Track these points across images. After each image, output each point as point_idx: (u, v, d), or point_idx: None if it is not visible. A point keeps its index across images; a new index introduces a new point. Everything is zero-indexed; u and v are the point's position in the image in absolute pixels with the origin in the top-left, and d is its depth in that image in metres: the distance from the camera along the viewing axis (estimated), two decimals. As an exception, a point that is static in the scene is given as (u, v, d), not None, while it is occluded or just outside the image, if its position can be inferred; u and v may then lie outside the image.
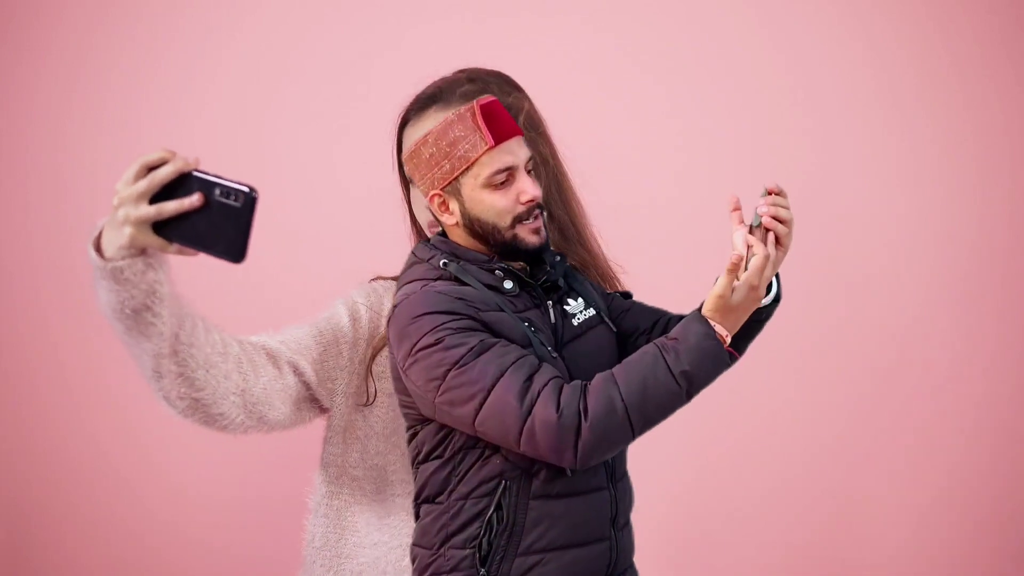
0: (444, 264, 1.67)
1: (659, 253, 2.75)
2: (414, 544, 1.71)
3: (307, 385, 1.89)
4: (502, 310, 1.62)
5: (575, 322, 1.70)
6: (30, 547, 2.85)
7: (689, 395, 1.54)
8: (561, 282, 1.72)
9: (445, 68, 1.95)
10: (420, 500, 1.69)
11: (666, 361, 1.52)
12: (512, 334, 1.60)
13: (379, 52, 2.82)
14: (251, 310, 2.84)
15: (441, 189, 1.66)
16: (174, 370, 1.71)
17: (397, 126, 1.90)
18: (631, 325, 1.79)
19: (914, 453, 2.84)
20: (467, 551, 1.62)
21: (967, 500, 2.84)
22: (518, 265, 1.68)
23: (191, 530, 2.84)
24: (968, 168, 2.81)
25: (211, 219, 1.46)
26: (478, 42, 2.54)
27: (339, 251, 2.76)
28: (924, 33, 2.83)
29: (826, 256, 2.82)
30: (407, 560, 1.87)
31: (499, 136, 1.63)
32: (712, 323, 1.56)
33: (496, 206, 1.64)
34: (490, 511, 1.61)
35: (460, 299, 1.61)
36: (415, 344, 1.57)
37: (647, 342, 1.76)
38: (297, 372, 1.88)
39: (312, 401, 1.92)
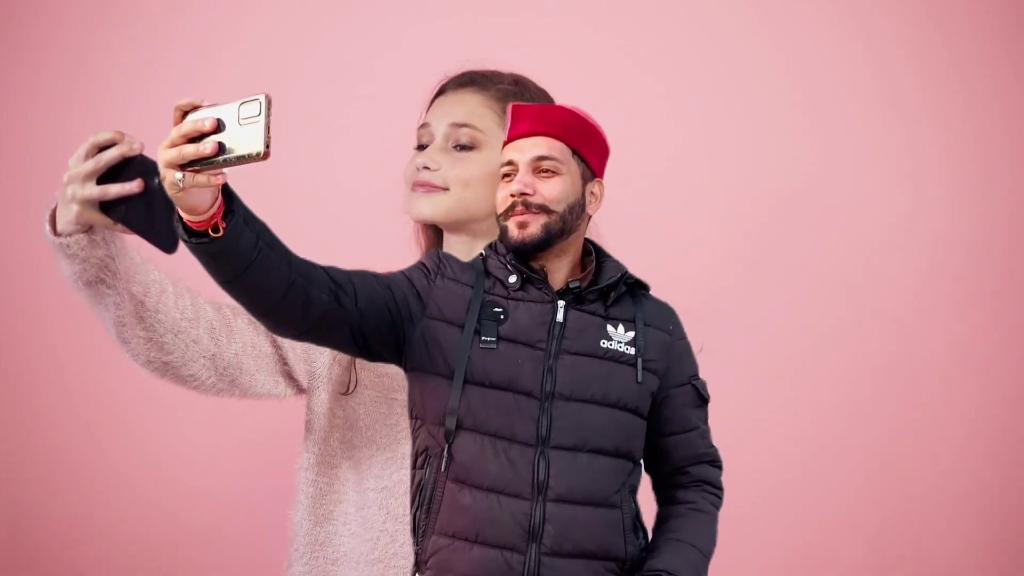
0: (482, 253, 1.72)
1: (660, 251, 2.75)
2: None
3: (283, 360, 1.91)
4: (472, 287, 1.66)
5: (603, 343, 1.68)
6: (29, 547, 2.85)
7: None
8: (606, 299, 1.70)
9: (445, 67, 1.96)
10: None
11: None
12: (446, 304, 1.65)
13: (379, 52, 2.82)
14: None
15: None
16: (141, 335, 1.77)
17: (431, 98, 1.97)
18: (664, 419, 1.74)
19: (915, 453, 2.84)
20: (411, 519, 1.66)
21: (968, 500, 2.84)
22: (539, 264, 1.69)
23: (192, 525, 2.84)
24: (968, 168, 2.81)
25: (151, 206, 1.49)
26: (479, 41, 2.54)
27: (340, 251, 2.76)
28: (924, 33, 2.83)
29: (826, 256, 2.82)
30: (378, 553, 1.89)
31: (514, 133, 1.68)
32: None
33: (497, 197, 1.69)
34: (420, 484, 1.65)
35: (438, 259, 1.69)
36: None
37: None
38: (275, 344, 1.92)
39: (288, 377, 1.94)
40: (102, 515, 2.85)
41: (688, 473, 1.74)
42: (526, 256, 1.67)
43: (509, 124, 1.69)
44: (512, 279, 1.67)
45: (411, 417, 1.68)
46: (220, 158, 1.42)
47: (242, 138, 1.42)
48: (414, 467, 1.66)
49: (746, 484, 2.84)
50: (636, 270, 2.06)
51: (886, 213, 2.82)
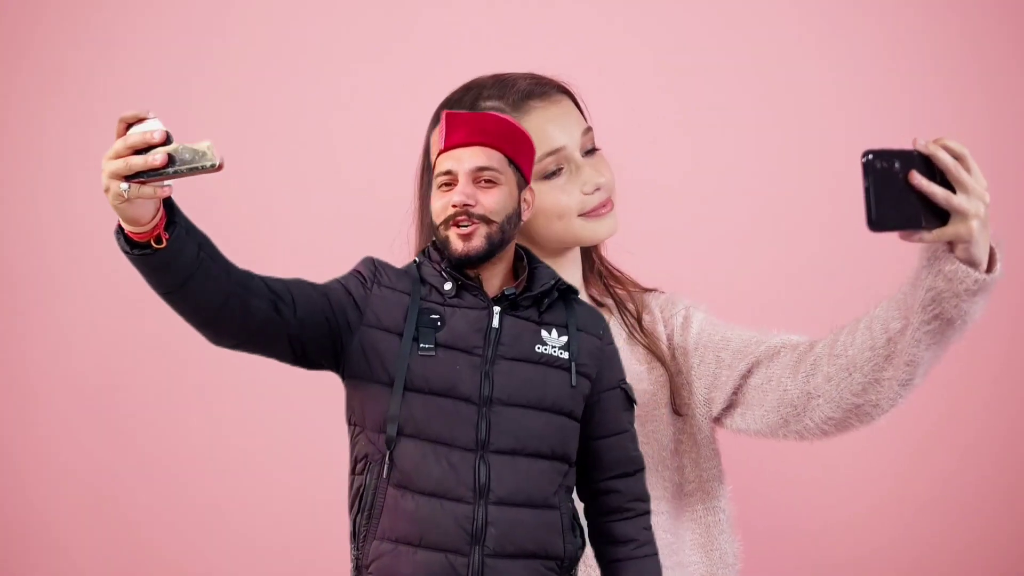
0: (416, 261, 1.72)
1: (669, 246, 2.74)
2: None
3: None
4: (408, 294, 1.67)
5: (537, 348, 1.69)
6: (29, 547, 2.84)
7: None
8: (540, 306, 1.71)
9: (446, 66, 1.95)
10: None
11: None
12: (383, 311, 1.65)
13: (384, 50, 2.81)
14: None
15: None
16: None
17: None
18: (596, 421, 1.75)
19: (918, 453, 2.83)
20: (350, 525, 1.67)
21: (968, 501, 2.83)
22: (475, 272, 1.69)
23: (191, 530, 2.83)
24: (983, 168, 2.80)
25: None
26: (482, 36, 2.54)
27: (343, 250, 2.75)
28: (949, 37, 2.83)
29: (834, 257, 2.81)
30: None
31: (450, 142, 1.68)
32: None
33: (435, 207, 1.69)
34: (360, 490, 1.66)
35: (374, 267, 1.70)
36: None
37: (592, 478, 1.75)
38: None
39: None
40: (103, 515, 2.84)
41: (619, 492, 1.75)
42: (467, 267, 1.69)
43: (444, 132, 1.68)
44: (447, 286, 1.68)
45: (349, 424, 1.70)
46: (171, 169, 1.46)
47: (192, 150, 1.47)
48: (353, 473, 1.68)
49: (747, 484, 2.84)
50: (638, 267, 2.06)
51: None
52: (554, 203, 1.95)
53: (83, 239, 2.81)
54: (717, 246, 2.83)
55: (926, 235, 1.64)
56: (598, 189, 1.96)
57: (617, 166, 2.03)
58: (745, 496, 2.11)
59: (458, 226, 1.66)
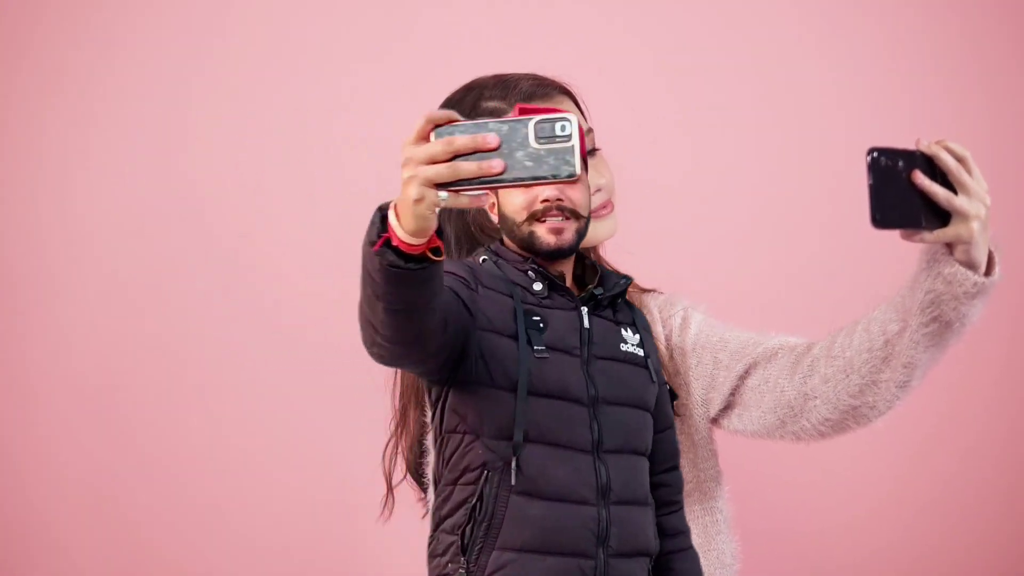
0: (483, 260, 1.71)
1: (669, 246, 2.74)
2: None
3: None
4: (511, 296, 1.64)
5: (622, 347, 1.71)
6: (29, 547, 2.84)
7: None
8: (614, 306, 1.74)
9: (446, 66, 1.95)
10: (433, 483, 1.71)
11: None
12: (494, 315, 1.61)
13: (384, 50, 2.81)
14: (256, 312, 2.85)
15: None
16: None
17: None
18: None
19: (917, 455, 2.83)
20: (453, 537, 1.62)
21: (968, 503, 2.83)
22: (557, 271, 1.70)
23: (191, 530, 2.83)
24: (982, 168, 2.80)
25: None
26: (482, 36, 2.54)
27: (343, 250, 2.75)
28: (949, 38, 2.83)
29: (833, 257, 2.81)
30: None
31: None
32: None
33: (515, 202, 1.67)
34: (473, 500, 1.61)
35: (469, 267, 1.65)
36: None
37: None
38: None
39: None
40: (103, 516, 2.84)
41: (668, 486, 1.78)
42: (555, 261, 1.69)
43: None
44: (538, 286, 1.68)
45: (450, 433, 1.64)
46: (510, 177, 1.34)
47: (534, 159, 1.34)
48: (456, 484, 1.63)
49: (747, 484, 2.84)
50: (641, 268, 2.06)
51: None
52: None
53: (83, 239, 2.81)
54: (717, 246, 2.83)
55: (927, 235, 1.64)
56: (598, 190, 1.96)
57: (617, 166, 2.03)
58: (744, 498, 2.11)
59: (547, 220, 1.65)
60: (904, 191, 1.62)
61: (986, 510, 2.85)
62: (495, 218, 1.72)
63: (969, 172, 1.64)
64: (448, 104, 1.98)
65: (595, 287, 1.71)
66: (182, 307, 2.79)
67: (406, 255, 1.38)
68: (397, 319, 1.45)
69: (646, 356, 1.73)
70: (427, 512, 2.06)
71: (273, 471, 2.79)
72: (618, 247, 2.08)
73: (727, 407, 1.93)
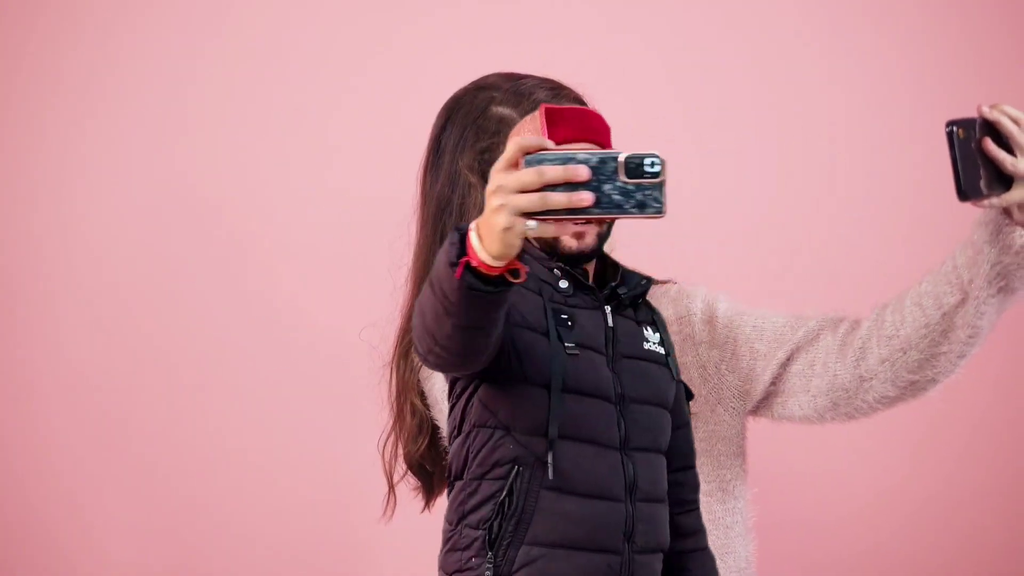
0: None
1: (669, 246, 2.74)
2: (445, 519, 1.70)
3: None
4: (540, 294, 1.64)
5: (644, 345, 1.72)
6: (29, 548, 2.84)
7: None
8: (635, 305, 1.74)
9: (446, 66, 1.94)
10: (451, 476, 1.69)
11: None
12: (527, 311, 1.61)
13: (384, 50, 2.81)
14: (255, 312, 2.84)
15: None
16: None
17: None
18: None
19: (917, 450, 2.83)
20: (479, 532, 1.61)
21: (967, 499, 2.83)
22: (580, 269, 1.70)
23: (191, 530, 2.83)
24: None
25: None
26: (483, 36, 2.54)
27: (343, 250, 2.75)
28: (954, 44, 2.83)
29: (837, 257, 2.81)
30: None
31: (555, 140, 1.61)
32: None
33: None
34: (502, 495, 1.61)
35: None
36: None
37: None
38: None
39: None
40: (103, 517, 2.84)
41: (683, 485, 1.78)
42: (576, 265, 1.69)
43: (546, 129, 1.63)
44: (564, 284, 1.67)
45: (483, 427, 1.64)
46: (598, 210, 1.36)
47: (622, 193, 1.36)
48: (483, 479, 1.63)
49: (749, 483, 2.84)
50: (644, 267, 2.06)
51: (918, 212, 2.80)
52: None
53: (83, 240, 2.80)
54: (717, 246, 2.82)
55: (994, 200, 1.66)
56: None
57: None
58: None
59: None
60: (973, 159, 1.63)
61: (985, 506, 2.85)
62: None
63: None
64: (455, 102, 1.97)
65: (618, 285, 1.71)
66: (181, 307, 2.79)
67: (484, 276, 1.40)
68: (465, 335, 1.47)
69: (666, 354, 1.74)
70: (427, 506, 2.06)
71: (272, 471, 2.79)
72: (619, 247, 2.09)
73: (767, 396, 1.93)
